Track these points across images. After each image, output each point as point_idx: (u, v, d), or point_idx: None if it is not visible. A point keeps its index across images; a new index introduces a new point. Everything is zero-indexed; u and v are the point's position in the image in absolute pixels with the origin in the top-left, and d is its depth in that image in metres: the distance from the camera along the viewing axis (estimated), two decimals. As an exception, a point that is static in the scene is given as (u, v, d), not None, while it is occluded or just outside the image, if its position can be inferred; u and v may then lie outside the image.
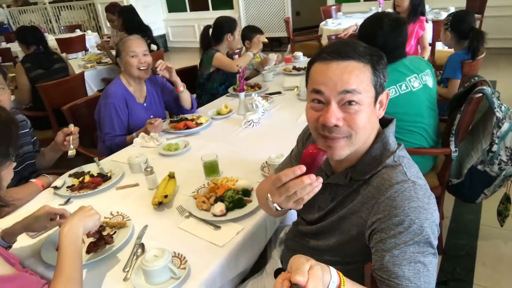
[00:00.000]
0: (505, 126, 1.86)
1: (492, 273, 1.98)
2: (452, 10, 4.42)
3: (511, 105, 1.93)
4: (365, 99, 0.91)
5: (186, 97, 2.44)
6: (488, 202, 2.22)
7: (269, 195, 0.94)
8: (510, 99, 1.90)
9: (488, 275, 1.97)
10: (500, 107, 1.86)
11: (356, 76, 0.90)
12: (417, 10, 3.35)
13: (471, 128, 2.02)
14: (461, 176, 2.01)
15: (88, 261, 1.20)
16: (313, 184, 0.82)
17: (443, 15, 4.43)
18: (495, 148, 1.87)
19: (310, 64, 0.98)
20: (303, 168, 0.83)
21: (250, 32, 3.26)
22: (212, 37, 3.08)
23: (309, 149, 0.87)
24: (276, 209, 0.94)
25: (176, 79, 2.36)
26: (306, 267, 0.69)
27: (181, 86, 2.39)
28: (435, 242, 0.87)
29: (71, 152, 1.73)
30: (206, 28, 3.10)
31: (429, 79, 2.01)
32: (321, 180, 0.83)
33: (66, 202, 1.57)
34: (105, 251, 1.24)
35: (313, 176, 0.82)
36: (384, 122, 1.02)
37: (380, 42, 1.87)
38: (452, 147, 1.90)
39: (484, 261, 2.05)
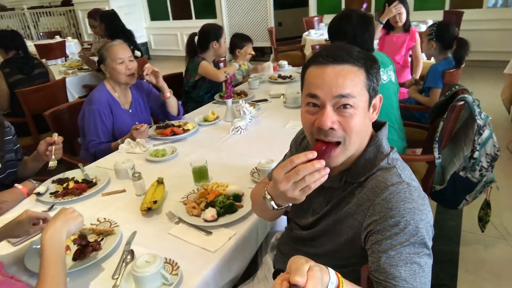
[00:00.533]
0: (486, 133, 1.92)
1: (475, 278, 2.02)
2: (431, 22, 4.56)
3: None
4: (359, 102, 0.93)
5: (173, 103, 2.42)
6: (469, 209, 2.28)
7: (266, 193, 0.94)
8: (485, 109, 1.97)
9: (471, 281, 2.00)
10: (480, 115, 1.92)
11: (351, 80, 0.91)
12: (408, 22, 3.42)
13: (452, 135, 2.08)
14: (444, 183, 2.06)
15: (75, 269, 1.16)
16: (321, 172, 0.84)
17: (422, 28, 4.57)
18: (476, 154, 1.92)
19: (305, 68, 0.99)
20: (315, 153, 0.85)
21: (240, 41, 3.29)
22: (198, 45, 3.07)
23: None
24: (273, 208, 0.94)
25: (163, 84, 2.34)
26: (305, 268, 0.69)
27: (168, 92, 2.37)
28: (430, 243, 0.88)
29: (52, 164, 1.67)
30: (192, 35, 3.10)
31: (393, 75, 2.13)
32: (328, 170, 0.85)
33: (50, 209, 1.52)
34: (93, 258, 1.20)
35: (323, 161, 0.84)
36: (377, 126, 1.04)
37: (350, 35, 1.94)
38: (436, 154, 1.94)
39: (467, 267, 2.09)
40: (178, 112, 2.45)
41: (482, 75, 5.39)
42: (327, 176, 0.86)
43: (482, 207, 2.11)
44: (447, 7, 5.99)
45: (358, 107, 0.92)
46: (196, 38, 3.08)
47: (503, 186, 2.26)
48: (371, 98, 0.96)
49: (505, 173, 2.91)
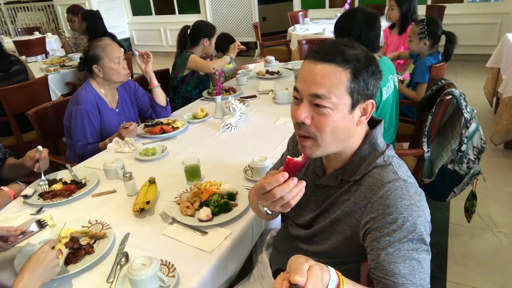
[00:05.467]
0: (473, 127, 1.96)
1: (464, 269, 2.06)
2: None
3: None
4: (338, 105, 0.91)
5: (160, 94, 2.43)
6: (456, 201, 2.33)
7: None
8: (468, 102, 2.01)
9: (460, 272, 2.05)
10: (467, 108, 1.95)
11: (330, 80, 0.90)
12: (407, 20, 3.36)
13: (439, 129, 2.11)
14: (433, 176, 2.09)
15: (68, 273, 1.13)
16: (299, 187, 0.86)
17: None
18: (464, 147, 1.95)
19: (304, 59, 0.99)
20: (285, 175, 0.86)
21: (223, 43, 3.31)
22: (190, 38, 3.05)
23: (292, 158, 0.91)
24: (267, 213, 0.95)
25: (151, 72, 2.40)
26: (305, 267, 0.68)
27: (155, 81, 2.41)
28: (428, 239, 0.89)
29: (45, 186, 1.63)
30: (185, 28, 3.09)
31: (396, 80, 2.15)
32: (304, 183, 0.86)
33: (39, 211, 1.48)
34: (86, 261, 1.18)
35: (295, 179, 0.85)
36: (372, 123, 1.04)
37: (355, 34, 1.94)
38: (425, 148, 1.97)
39: (455, 259, 2.13)
40: (166, 102, 2.45)
41: (464, 68, 5.48)
42: (304, 189, 0.87)
43: (468, 198, 2.16)
44: (429, 2, 6.06)
45: (335, 109, 0.91)
46: (189, 31, 3.06)
47: (489, 178, 2.31)
48: (354, 101, 0.93)
49: (490, 165, 2.97)
